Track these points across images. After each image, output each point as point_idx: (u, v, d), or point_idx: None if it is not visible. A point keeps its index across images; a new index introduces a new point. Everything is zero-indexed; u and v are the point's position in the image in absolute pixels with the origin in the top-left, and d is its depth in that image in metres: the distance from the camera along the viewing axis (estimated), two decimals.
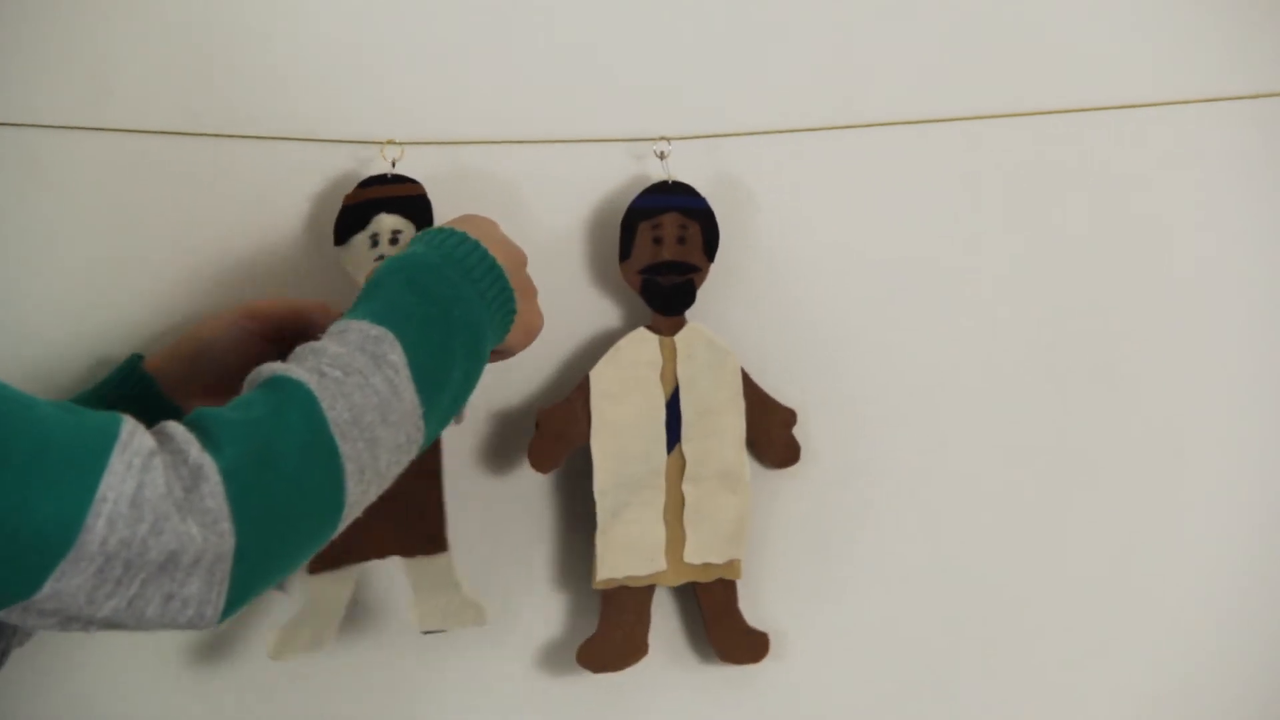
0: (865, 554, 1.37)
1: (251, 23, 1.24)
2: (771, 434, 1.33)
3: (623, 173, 1.30)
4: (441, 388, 1.00)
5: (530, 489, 1.32)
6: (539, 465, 1.29)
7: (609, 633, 1.31)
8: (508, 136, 1.27)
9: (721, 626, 1.33)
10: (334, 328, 0.98)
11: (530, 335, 1.13)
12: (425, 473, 1.24)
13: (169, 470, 0.86)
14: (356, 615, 1.30)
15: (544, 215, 1.29)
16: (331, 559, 1.23)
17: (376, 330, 0.97)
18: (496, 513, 1.31)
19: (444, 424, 1.03)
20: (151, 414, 1.07)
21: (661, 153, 1.30)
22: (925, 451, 1.36)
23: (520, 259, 1.12)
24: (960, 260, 1.35)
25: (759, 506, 1.34)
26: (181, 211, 1.24)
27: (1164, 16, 1.36)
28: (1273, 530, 1.41)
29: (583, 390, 1.29)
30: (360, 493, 0.94)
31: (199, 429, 0.89)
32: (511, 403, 1.31)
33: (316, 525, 0.93)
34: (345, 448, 0.92)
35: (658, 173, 1.29)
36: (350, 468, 0.93)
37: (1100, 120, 1.34)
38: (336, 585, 1.25)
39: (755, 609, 1.34)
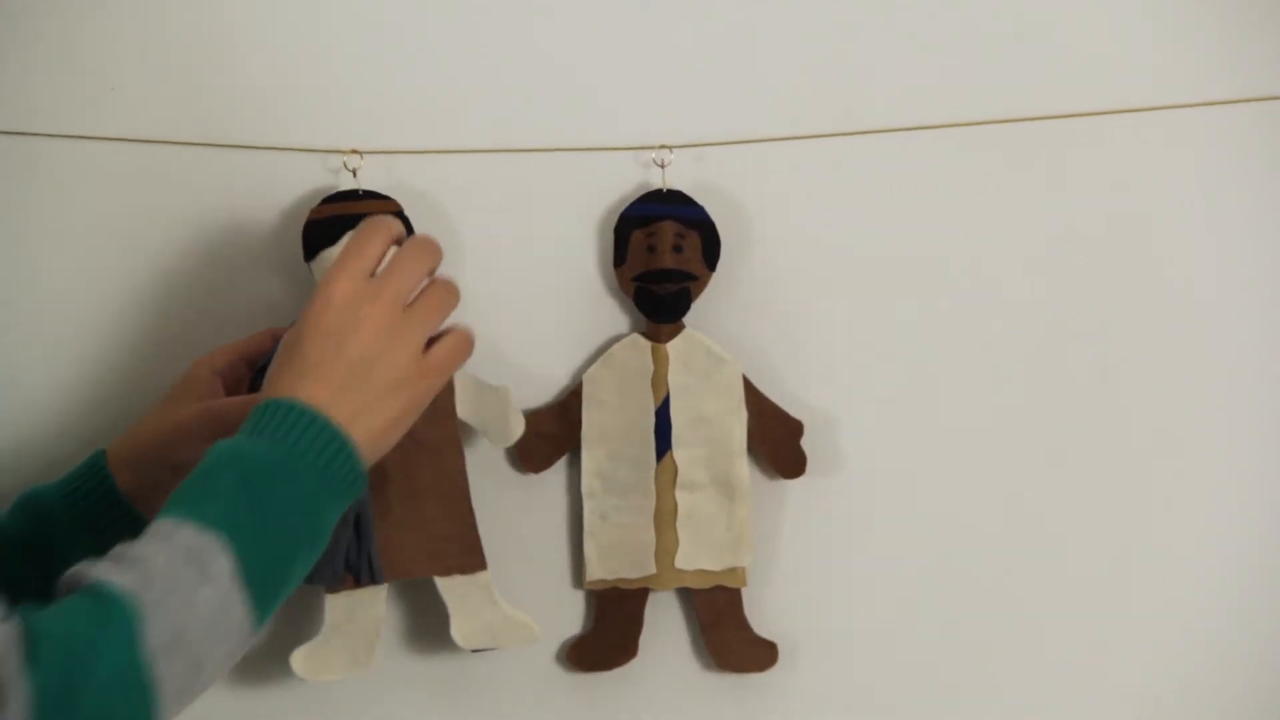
0: (869, 561, 1.37)
1: (259, 28, 1.28)
2: (778, 445, 1.32)
3: (627, 181, 1.31)
4: (279, 588, 0.97)
5: (541, 488, 1.33)
6: (526, 464, 1.31)
7: (599, 633, 1.32)
8: (507, 145, 1.29)
9: (722, 634, 1.32)
10: (160, 528, 0.94)
11: (388, 444, 1.06)
12: (453, 493, 1.25)
13: None
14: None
15: (552, 223, 1.31)
16: (355, 580, 1.23)
17: (204, 539, 0.93)
18: (507, 512, 1.32)
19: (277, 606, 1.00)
20: (109, 516, 1.04)
21: (662, 161, 1.30)
22: (928, 457, 1.36)
23: (397, 344, 1.04)
24: (961, 266, 1.35)
25: (766, 515, 1.34)
26: (158, 219, 1.28)
27: (1164, 20, 1.35)
28: (1272, 530, 1.40)
29: (575, 393, 1.31)
30: (178, 709, 0.91)
31: (24, 636, 0.86)
32: (524, 407, 1.31)
33: None
34: (162, 669, 0.89)
35: (659, 181, 1.30)
36: (168, 689, 0.90)
37: (1102, 124, 1.34)
38: (366, 605, 1.24)
39: (761, 617, 1.34)
